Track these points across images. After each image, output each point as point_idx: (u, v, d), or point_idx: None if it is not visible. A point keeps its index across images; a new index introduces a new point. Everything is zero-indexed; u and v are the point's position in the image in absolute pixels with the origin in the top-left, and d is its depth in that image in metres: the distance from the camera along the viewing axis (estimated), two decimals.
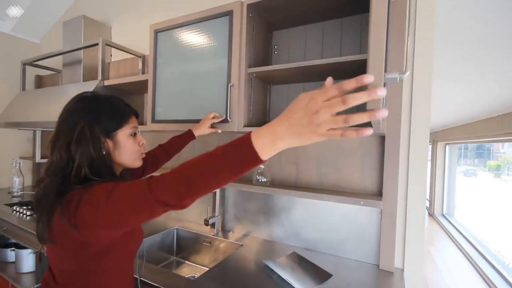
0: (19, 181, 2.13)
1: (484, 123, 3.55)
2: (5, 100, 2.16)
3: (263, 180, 1.29)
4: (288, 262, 1.13)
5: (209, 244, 1.44)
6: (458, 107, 3.15)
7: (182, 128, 1.24)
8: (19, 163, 2.13)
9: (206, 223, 1.42)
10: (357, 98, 0.38)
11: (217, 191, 1.49)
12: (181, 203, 0.52)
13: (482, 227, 4.19)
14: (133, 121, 0.74)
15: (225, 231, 1.51)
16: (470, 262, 3.24)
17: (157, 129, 1.32)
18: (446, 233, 4.43)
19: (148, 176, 0.57)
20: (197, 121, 1.17)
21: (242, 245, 1.32)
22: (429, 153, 5.95)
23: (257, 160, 0.46)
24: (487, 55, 1.71)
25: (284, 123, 0.43)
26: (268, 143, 0.45)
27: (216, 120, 1.11)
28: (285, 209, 1.34)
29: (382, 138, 1.11)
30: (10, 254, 1.65)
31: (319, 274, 1.04)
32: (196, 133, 1.14)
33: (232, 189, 1.50)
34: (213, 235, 1.44)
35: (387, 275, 1.05)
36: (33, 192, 1.72)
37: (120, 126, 0.70)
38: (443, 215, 5.31)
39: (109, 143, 0.67)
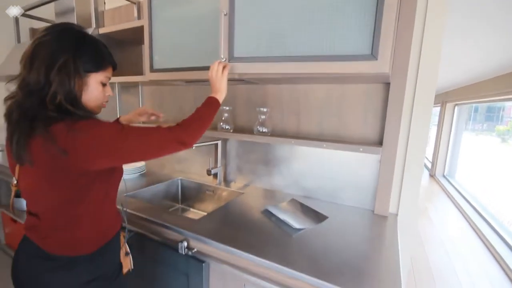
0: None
1: (494, 81, 3.40)
2: (1, 54, 2.12)
3: (264, 131, 1.29)
4: (287, 206, 1.18)
5: (212, 193, 1.50)
6: (468, 66, 2.99)
7: (181, 77, 1.21)
8: None
9: (209, 173, 1.46)
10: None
11: (219, 144, 1.51)
12: (192, 142, 0.81)
13: (482, 188, 4.25)
14: (109, 71, 0.76)
15: (227, 181, 1.56)
16: (466, 219, 3.36)
17: (156, 79, 1.30)
18: (445, 192, 4.53)
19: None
20: (196, 69, 1.15)
21: (243, 193, 1.37)
22: (437, 116, 5.82)
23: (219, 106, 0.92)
24: (498, 11, 1.56)
25: (221, 89, 0.94)
26: (221, 99, 0.93)
27: (152, 118, 1.17)
28: (285, 159, 1.36)
29: (387, 86, 1.07)
30: None
31: (316, 216, 1.09)
32: (122, 120, 1.17)
33: (233, 142, 1.51)
34: (216, 185, 1.50)
35: (381, 219, 1.10)
36: None
37: (97, 70, 0.71)
38: (444, 176, 5.39)
39: (79, 81, 0.68)
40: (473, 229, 3.10)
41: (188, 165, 1.72)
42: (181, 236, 0.98)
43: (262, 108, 1.29)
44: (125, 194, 1.29)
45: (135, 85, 1.82)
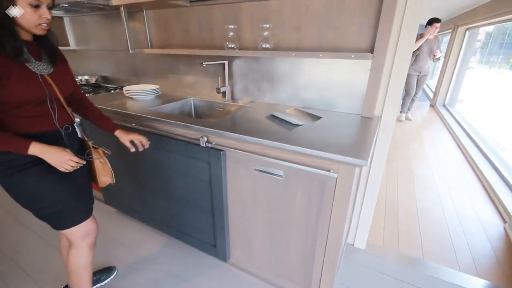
0: None
1: None
2: None
3: (266, 46, 1.41)
4: (288, 112, 1.38)
5: (221, 109, 1.70)
6: None
7: None
8: None
9: (218, 90, 1.64)
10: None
11: (226, 64, 1.64)
12: None
13: (478, 116, 4.40)
14: None
15: (235, 99, 1.74)
16: (456, 142, 3.61)
17: None
18: (442, 120, 4.72)
19: None
20: None
21: (250, 106, 1.57)
22: (446, 44, 5.59)
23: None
24: None
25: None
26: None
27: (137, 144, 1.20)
28: (287, 74, 1.51)
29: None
30: None
31: (312, 118, 1.30)
32: (117, 134, 1.18)
33: (239, 62, 1.64)
34: (225, 102, 1.69)
35: (367, 120, 1.31)
36: None
37: None
38: (444, 105, 5.50)
39: (6, 3, 0.76)
40: (460, 148, 3.38)
41: (199, 88, 1.89)
42: (201, 133, 1.21)
43: (264, 25, 1.39)
44: (148, 109, 1.50)
45: (139, 9, 1.85)
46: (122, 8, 1.75)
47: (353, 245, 1.70)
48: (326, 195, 0.99)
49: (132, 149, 1.20)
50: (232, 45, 1.50)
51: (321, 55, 1.23)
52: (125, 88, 1.80)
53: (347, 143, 0.99)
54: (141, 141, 1.21)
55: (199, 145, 1.22)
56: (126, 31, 1.84)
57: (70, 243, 1.08)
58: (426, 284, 1.44)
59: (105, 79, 2.40)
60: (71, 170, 0.95)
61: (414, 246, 1.72)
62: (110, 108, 1.52)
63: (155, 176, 1.49)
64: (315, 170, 0.97)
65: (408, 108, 4.55)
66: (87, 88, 2.15)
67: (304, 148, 0.95)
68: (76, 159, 0.94)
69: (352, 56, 1.17)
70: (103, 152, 1.15)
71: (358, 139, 1.04)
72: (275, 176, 1.09)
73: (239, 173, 1.19)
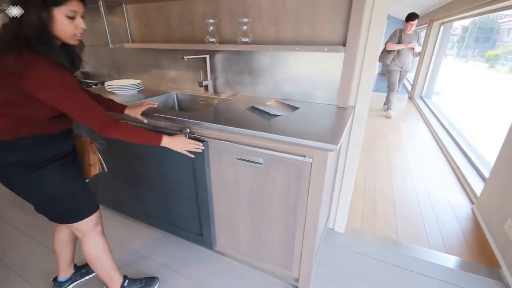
0: None
1: None
2: None
3: (246, 40, 1.46)
4: (268, 103, 1.44)
5: (204, 102, 1.74)
6: None
7: None
8: None
9: (200, 84, 1.67)
10: None
11: (207, 58, 1.68)
12: (106, 135, 0.94)
13: (452, 106, 4.65)
14: (73, 5, 0.82)
15: (217, 93, 1.78)
16: (431, 132, 3.81)
17: None
18: (419, 111, 4.94)
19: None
20: None
21: (231, 99, 1.61)
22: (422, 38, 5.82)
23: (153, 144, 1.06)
24: None
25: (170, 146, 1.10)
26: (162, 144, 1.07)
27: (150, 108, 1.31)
28: (267, 67, 1.57)
29: None
30: None
31: (290, 108, 1.36)
32: (127, 113, 1.29)
33: (220, 56, 1.68)
34: (208, 95, 1.72)
35: (342, 109, 1.39)
36: None
37: (58, 4, 0.79)
38: (421, 97, 5.74)
39: (46, 15, 0.79)
40: (435, 138, 3.58)
41: (182, 82, 1.91)
42: (184, 125, 1.25)
43: (243, 19, 1.43)
44: (130, 103, 1.52)
45: (118, 3, 1.84)
46: (100, 2, 1.74)
47: (333, 229, 1.80)
48: (303, 179, 1.06)
49: (145, 121, 1.30)
50: (213, 39, 1.54)
51: (297, 48, 1.29)
52: (106, 83, 1.80)
53: (321, 131, 1.06)
54: (150, 106, 1.31)
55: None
56: (106, 25, 1.83)
57: (81, 235, 1.11)
58: (401, 261, 1.56)
59: (86, 74, 2.37)
60: (195, 151, 1.16)
61: (389, 228, 1.84)
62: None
63: (141, 169, 1.52)
64: (291, 156, 1.04)
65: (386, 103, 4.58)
66: None
67: (280, 136, 1.02)
68: (193, 141, 1.14)
69: (326, 49, 1.24)
70: (95, 145, 1.20)
71: (331, 127, 1.11)
72: (255, 164, 1.15)
73: (222, 163, 1.24)
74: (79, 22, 0.87)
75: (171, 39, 1.77)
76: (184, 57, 1.53)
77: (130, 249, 1.63)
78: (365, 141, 3.40)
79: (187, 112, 1.33)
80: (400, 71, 4.13)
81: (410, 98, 5.98)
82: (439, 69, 5.32)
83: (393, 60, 4.02)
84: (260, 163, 1.13)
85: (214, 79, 1.77)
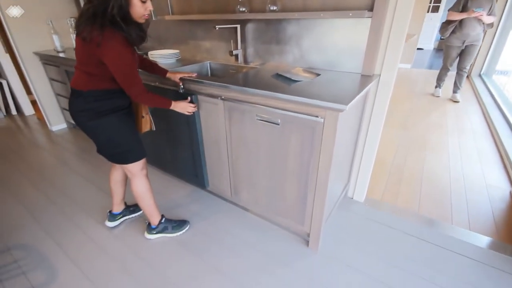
0: (57, 37, 2.57)
1: None
2: None
3: (274, 8, 1.51)
4: (292, 70, 1.51)
5: (234, 71, 1.86)
6: None
7: None
8: (51, 21, 2.55)
9: (231, 53, 1.78)
10: None
11: (238, 27, 1.76)
12: (139, 101, 1.20)
13: None
14: None
15: (246, 62, 1.88)
16: (484, 115, 3.44)
17: None
18: (474, 91, 4.44)
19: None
20: None
21: (259, 68, 1.70)
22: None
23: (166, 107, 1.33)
24: None
25: (176, 108, 1.37)
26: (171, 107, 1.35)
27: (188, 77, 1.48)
28: (293, 36, 1.61)
29: None
30: None
31: (313, 75, 1.42)
32: (168, 76, 1.51)
33: (250, 25, 1.75)
34: (238, 64, 1.83)
35: (365, 77, 1.39)
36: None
37: None
38: (480, 75, 5.12)
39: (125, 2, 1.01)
40: (486, 119, 3.25)
41: (215, 52, 2.04)
42: (212, 87, 1.39)
43: None
44: (169, 69, 1.70)
45: None
46: None
47: (352, 198, 1.86)
48: (315, 139, 1.15)
49: (181, 84, 1.49)
50: (243, 9, 1.62)
51: (322, 15, 1.31)
52: (150, 53, 2.01)
53: (335, 94, 1.11)
54: (190, 76, 1.48)
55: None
56: None
57: (131, 175, 1.38)
58: (418, 232, 1.57)
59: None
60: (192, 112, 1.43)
61: (411, 203, 1.83)
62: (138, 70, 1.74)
63: (164, 127, 1.73)
64: (305, 116, 1.12)
65: (457, 86, 3.83)
66: None
67: (293, 96, 1.10)
68: (192, 105, 1.40)
69: (350, 14, 1.24)
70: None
71: (348, 91, 1.15)
72: (273, 124, 1.25)
73: (244, 123, 1.37)
74: (149, 5, 1.07)
75: (206, 11, 1.89)
76: (216, 26, 1.64)
77: (168, 198, 1.91)
78: (403, 119, 3.25)
79: (216, 77, 1.48)
80: (461, 47, 3.45)
81: (468, 75, 5.36)
82: (504, 44, 4.64)
83: (453, 32, 3.37)
84: (278, 123, 1.24)
85: (244, 49, 1.86)
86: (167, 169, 2.08)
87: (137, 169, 1.36)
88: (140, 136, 1.38)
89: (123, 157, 1.31)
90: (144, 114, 1.41)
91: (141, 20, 1.10)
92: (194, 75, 1.49)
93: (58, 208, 1.83)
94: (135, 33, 1.06)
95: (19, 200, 1.92)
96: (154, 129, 1.50)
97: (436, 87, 4.14)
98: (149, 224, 1.55)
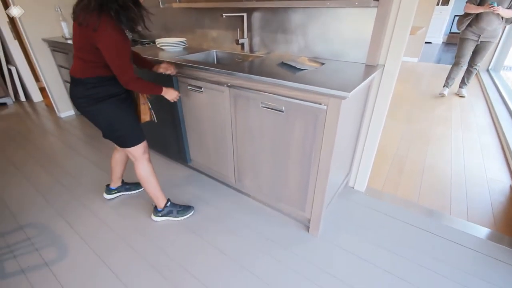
0: (66, 24, 2.59)
1: None
2: None
3: None
4: (297, 59, 1.52)
5: (240, 60, 1.88)
6: None
7: None
8: (60, 8, 2.57)
9: (237, 42, 1.80)
10: None
11: (245, 16, 1.78)
12: (130, 88, 1.22)
13: None
14: None
15: (252, 51, 1.90)
16: (489, 110, 3.41)
17: None
18: (481, 86, 4.40)
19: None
20: None
21: (265, 57, 1.72)
22: None
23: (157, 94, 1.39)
24: None
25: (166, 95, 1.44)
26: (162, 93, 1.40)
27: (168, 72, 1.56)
28: (299, 26, 1.62)
29: None
30: None
31: (318, 64, 1.43)
32: (154, 69, 1.57)
33: (256, 14, 1.76)
34: (244, 53, 1.85)
35: (369, 67, 1.41)
36: None
37: None
38: (487, 70, 5.05)
39: None
40: (490, 114, 3.23)
41: (221, 41, 2.06)
42: (218, 75, 1.42)
43: None
44: (176, 57, 1.73)
45: None
46: None
47: (353, 187, 1.90)
48: (318, 125, 1.17)
49: (168, 72, 1.56)
50: None
51: (328, 3, 1.32)
52: (157, 40, 2.04)
53: (338, 82, 1.14)
54: (170, 72, 1.57)
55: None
56: None
57: (134, 159, 1.44)
58: (416, 221, 1.61)
59: (140, 35, 2.66)
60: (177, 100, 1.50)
61: (411, 194, 1.87)
62: (146, 57, 1.77)
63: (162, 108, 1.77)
64: (309, 103, 1.15)
65: (465, 82, 3.75)
66: None
67: (296, 83, 1.13)
68: (177, 93, 1.48)
69: (356, 3, 1.25)
70: (147, 97, 1.48)
71: (351, 79, 1.18)
72: (278, 112, 1.28)
73: (249, 110, 1.40)
74: None
75: None
76: (223, 14, 1.66)
77: (172, 183, 1.96)
78: (408, 113, 3.25)
79: (222, 64, 1.50)
80: (477, 42, 3.29)
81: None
82: None
83: (468, 25, 3.21)
84: (282, 111, 1.26)
85: (250, 38, 1.88)
86: (160, 150, 2.13)
87: (139, 153, 1.42)
88: (141, 124, 1.43)
89: (123, 141, 1.38)
90: (143, 102, 1.45)
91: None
92: (174, 73, 1.57)
93: (67, 189, 1.90)
94: (132, 19, 1.10)
95: (30, 182, 2.00)
96: (156, 120, 1.56)
97: (444, 86, 3.91)
98: (155, 207, 1.60)
